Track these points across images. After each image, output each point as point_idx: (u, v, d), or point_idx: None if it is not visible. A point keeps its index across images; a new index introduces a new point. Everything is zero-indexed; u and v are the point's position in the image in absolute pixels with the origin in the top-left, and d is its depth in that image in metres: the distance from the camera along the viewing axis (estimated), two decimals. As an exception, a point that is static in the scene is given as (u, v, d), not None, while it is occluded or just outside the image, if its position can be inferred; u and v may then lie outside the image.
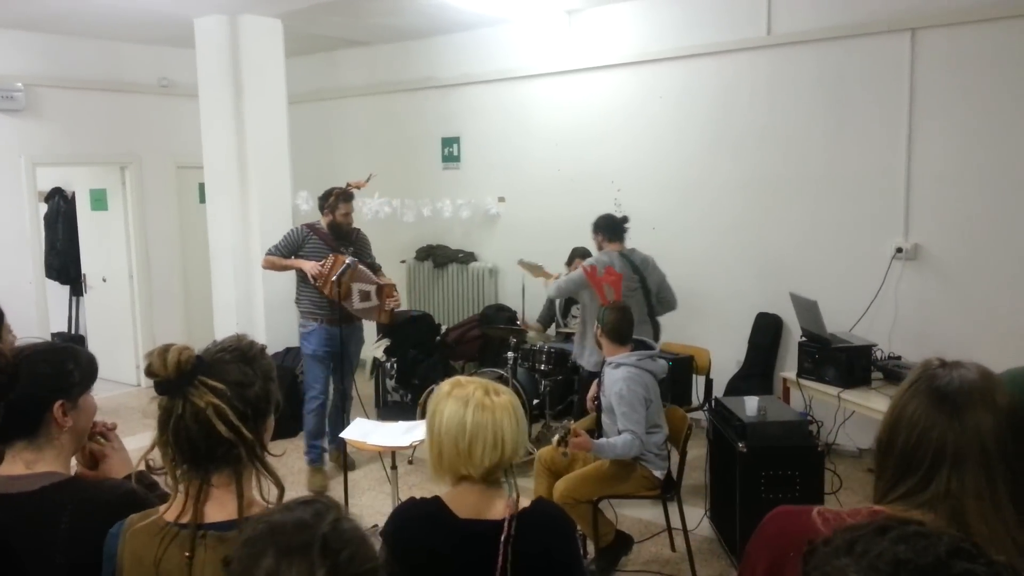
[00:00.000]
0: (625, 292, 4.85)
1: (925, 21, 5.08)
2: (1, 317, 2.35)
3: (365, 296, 5.27)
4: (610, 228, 5.19)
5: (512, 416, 1.87)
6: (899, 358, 4.75)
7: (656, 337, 5.12)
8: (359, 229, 5.60)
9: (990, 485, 1.21)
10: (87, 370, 1.79)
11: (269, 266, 5.48)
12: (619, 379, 3.89)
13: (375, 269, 5.49)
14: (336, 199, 5.34)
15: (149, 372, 1.45)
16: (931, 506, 1.22)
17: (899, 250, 5.28)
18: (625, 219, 5.23)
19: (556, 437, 3.75)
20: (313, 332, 5.32)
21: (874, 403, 4.29)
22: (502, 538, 1.80)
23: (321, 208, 5.44)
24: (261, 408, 1.51)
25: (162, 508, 1.50)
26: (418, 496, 1.99)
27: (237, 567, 1.08)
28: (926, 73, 5.13)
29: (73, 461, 1.83)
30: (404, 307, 7.38)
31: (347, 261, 5.13)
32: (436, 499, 1.92)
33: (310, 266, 5.19)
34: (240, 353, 1.51)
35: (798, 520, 1.30)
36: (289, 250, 5.35)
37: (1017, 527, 1.21)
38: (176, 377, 1.44)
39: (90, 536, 1.54)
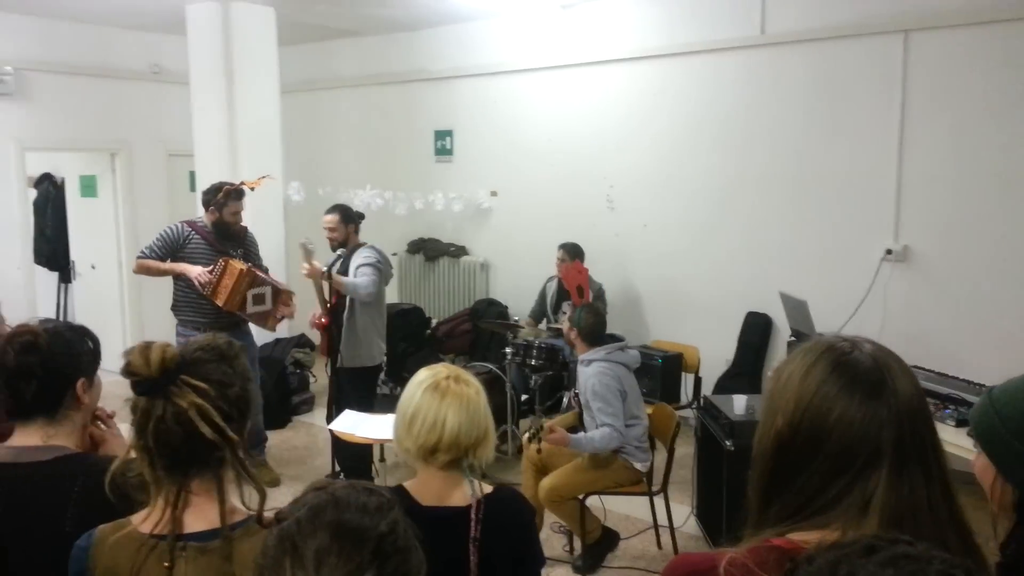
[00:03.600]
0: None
1: (918, 23, 5.09)
2: None
3: (259, 299, 4.75)
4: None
5: (462, 404, 1.85)
6: (887, 359, 4.77)
7: None
8: (246, 228, 5.10)
9: (930, 476, 1.08)
10: (97, 349, 1.84)
11: (143, 271, 4.85)
12: (591, 375, 3.93)
13: (263, 272, 5.01)
14: (226, 196, 4.80)
15: (128, 371, 1.37)
16: (859, 511, 1.06)
17: (888, 251, 5.30)
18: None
19: (527, 434, 3.78)
20: None
21: (861, 403, 4.30)
22: (472, 524, 1.82)
23: (206, 204, 4.87)
24: (242, 409, 1.45)
25: (136, 518, 1.43)
26: None
27: (292, 528, 1.02)
28: (918, 75, 5.14)
29: None
30: (395, 299, 7.37)
31: (244, 267, 4.63)
32: (399, 487, 1.92)
33: (196, 272, 4.64)
34: (219, 352, 1.45)
35: None
36: (167, 251, 4.77)
37: (958, 519, 1.09)
38: (160, 376, 1.37)
39: (99, 507, 1.53)
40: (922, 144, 5.17)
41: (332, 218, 4.77)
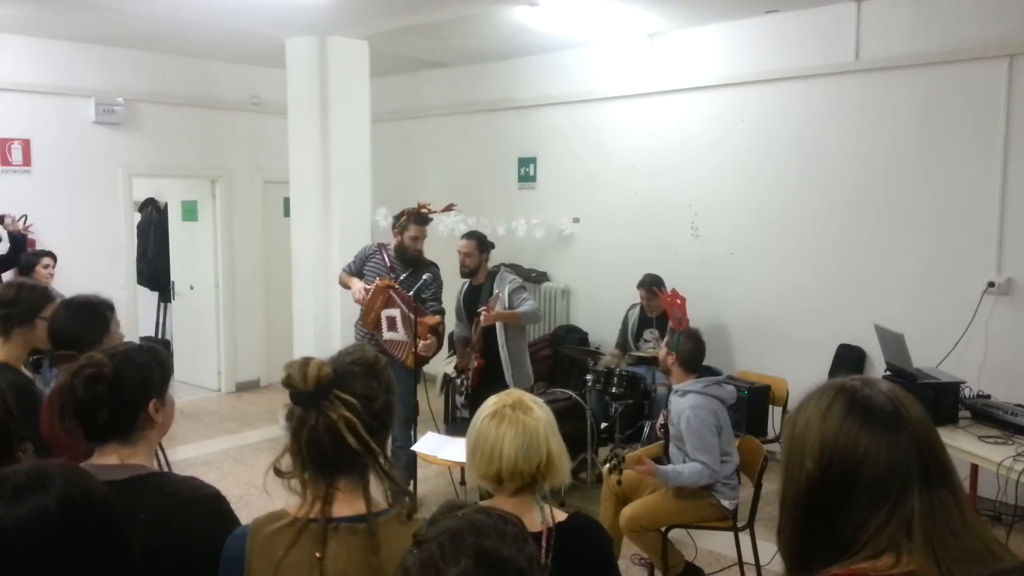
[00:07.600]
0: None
1: (1025, 47, 4.89)
2: (112, 311, 2.50)
3: (391, 325, 4.67)
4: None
5: (517, 431, 1.82)
6: (988, 396, 4.53)
7: None
8: (435, 264, 5.02)
9: (955, 493, 1.15)
10: (167, 367, 1.89)
11: (341, 284, 5.30)
12: (686, 407, 3.83)
13: (409, 298, 4.67)
14: (407, 219, 4.91)
15: (288, 383, 1.52)
16: (904, 536, 1.09)
17: (991, 284, 5.06)
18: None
19: (608, 464, 3.72)
20: None
21: (961, 442, 4.10)
22: (543, 551, 1.79)
23: (393, 227, 5.10)
24: (384, 420, 1.58)
25: (289, 508, 1.56)
26: None
27: (435, 552, 1.04)
28: (1025, 101, 4.92)
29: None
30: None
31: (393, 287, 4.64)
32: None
33: (357, 287, 4.81)
34: (368, 366, 1.57)
35: None
36: (356, 266, 5.08)
37: (983, 530, 1.15)
38: (314, 391, 1.50)
39: (164, 528, 1.61)
40: (1028, 172, 4.93)
41: (469, 244, 4.96)
